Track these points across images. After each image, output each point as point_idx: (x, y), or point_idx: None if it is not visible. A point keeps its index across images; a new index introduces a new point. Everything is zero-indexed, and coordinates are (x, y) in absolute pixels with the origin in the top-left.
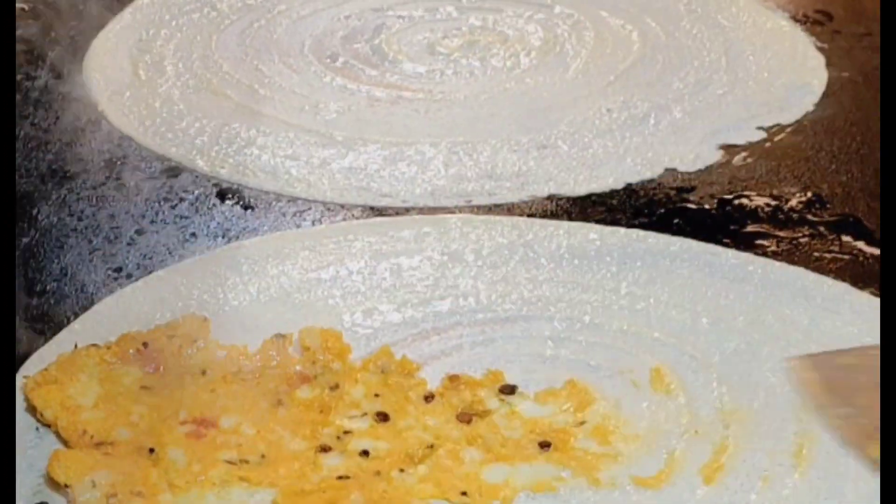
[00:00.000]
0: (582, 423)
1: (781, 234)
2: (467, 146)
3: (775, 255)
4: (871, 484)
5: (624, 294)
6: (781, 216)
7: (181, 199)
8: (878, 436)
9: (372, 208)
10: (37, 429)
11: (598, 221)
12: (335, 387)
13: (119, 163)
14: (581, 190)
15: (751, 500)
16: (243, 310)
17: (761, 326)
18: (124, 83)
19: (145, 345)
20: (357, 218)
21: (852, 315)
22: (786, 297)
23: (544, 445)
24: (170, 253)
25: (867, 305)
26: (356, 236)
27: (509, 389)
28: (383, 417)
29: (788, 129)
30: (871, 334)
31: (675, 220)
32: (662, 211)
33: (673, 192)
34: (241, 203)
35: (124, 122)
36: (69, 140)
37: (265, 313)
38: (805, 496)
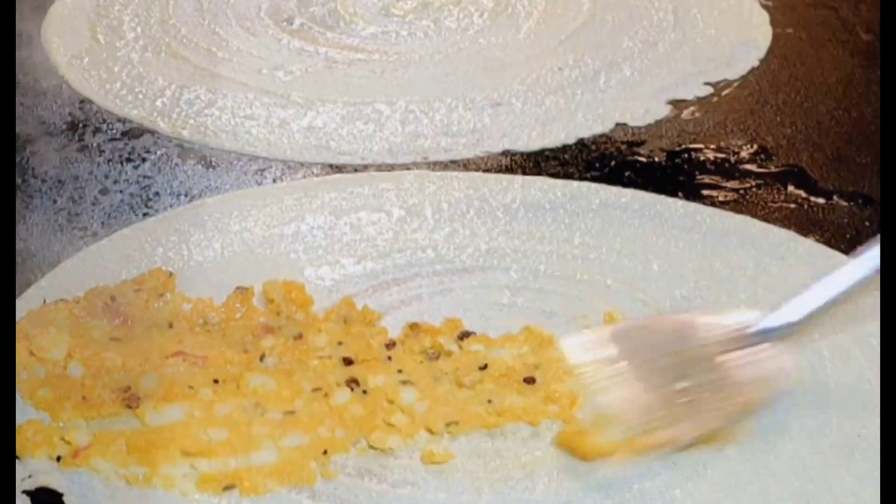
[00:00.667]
0: (537, 366)
1: (729, 184)
2: (423, 105)
3: (723, 205)
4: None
5: (577, 244)
6: (728, 167)
7: (143, 160)
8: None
9: (331, 166)
10: None
11: (551, 175)
12: (299, 336)
13: (81, 125)
14: (534, 145)
15: None
16: (207, 265)
17: (709, 273)
18: (83, 48)
19: (113, 299)
20: (317, 175)
21: (797, 260)
22: (733, 245)
23: (529, 381)
24: (134, 212)
25: (811, 251)
26: (316, 193)
27: (467, 335)
28: (348, 362)
29: (735, 84)
30: (814, 278)
31: (626, 173)
32: (613, 164)
33: (623, 146)
34: (203, 162)
35: (85, 85)
36: (31, 104)
37: (229, 268)
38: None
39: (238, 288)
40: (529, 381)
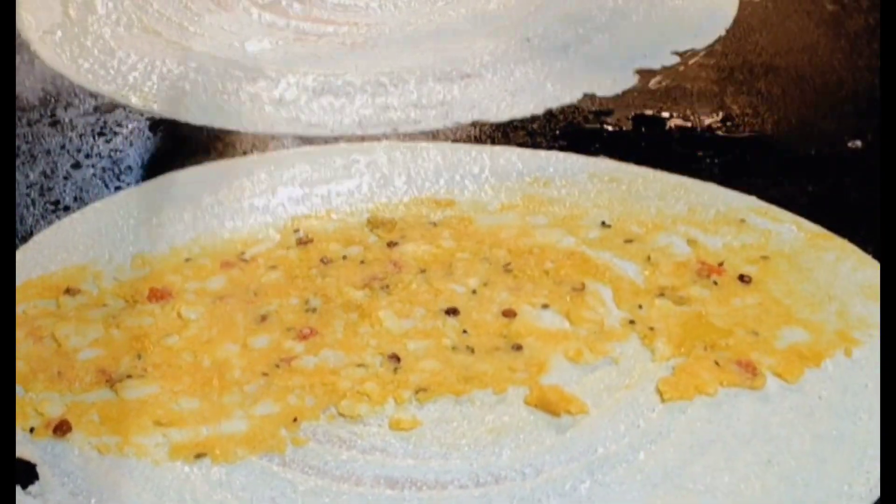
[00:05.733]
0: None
1: (695, 152)
2: (393, 77)
3: (690, 173)
4: None
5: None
6: (695, 136)
7: (115, 134)
8: None
9: (302, 138)
10: None
11: (519, 145)
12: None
13: (53, 100)
14: (503, 116)
15: None
16: (178, 238)
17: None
18: (55, 23)
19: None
20: (287, 148)
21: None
22: (697, 210)
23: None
24: (106, 185)
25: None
26: (287, 165)
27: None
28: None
29: (701, 54)
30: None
31: (594, 143)
32: (581, 134)
33: (591, 116)
34: (174, 136)
35: (57, 61)
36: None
37: (199, 240)
38: None
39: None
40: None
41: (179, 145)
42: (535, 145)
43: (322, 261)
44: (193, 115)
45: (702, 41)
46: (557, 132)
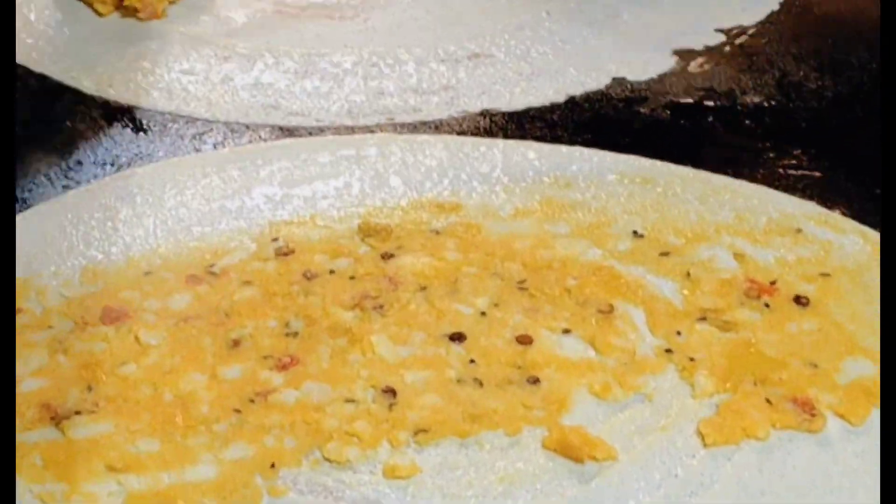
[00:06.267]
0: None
1: (743, 148)
2: (388, 56)
3: (736, 174)
4: None
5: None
6: (743, 129)
7: (64, 123)
8: None
9: (281, 129)
10: None
11: (536, 139)
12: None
13: None
14: (518, 104)
15: None
16: (137, 247)
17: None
18: None
19: None
20: (265, 140)
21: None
22: (746, 219)
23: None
24: (52, 184)
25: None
26: (265, 161)
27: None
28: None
29: (750, 31)
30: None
31: (624, 137)
32: (610, 126)
33: (621, 105)
34: (133, 126)
35: None
36: None
37: (162, 250)
38: None
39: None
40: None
41: (138, 137)
42: (556, 139)
43: (305, 275)
44: (155, 100)
45: (751, 16)
46: (581, 123)
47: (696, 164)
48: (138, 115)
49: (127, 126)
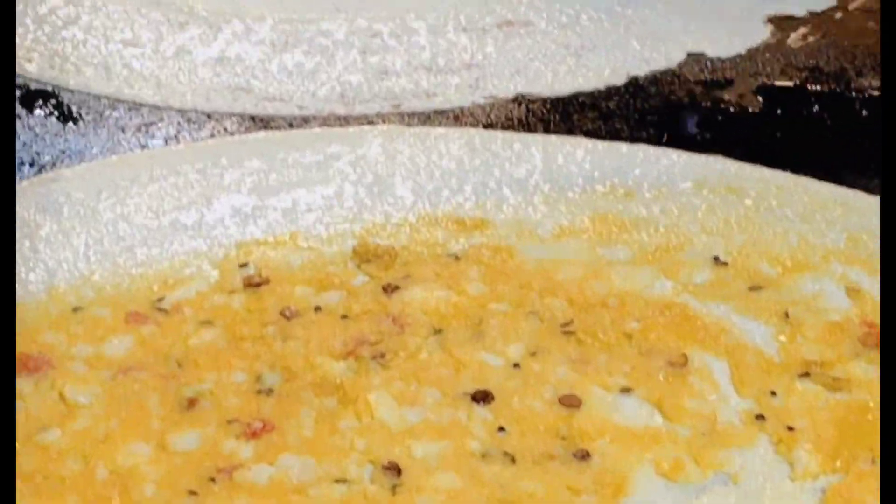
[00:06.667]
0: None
1: (859, 146)
2: (394, 24)
3: (853, 182)
4: None
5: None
6: (858, 121)
7: None
8: None
9: (253, 119)
10: None
11: (587, 134)
12: None
13: None
14: (563, 88)
15: None
16: (64, 275)
17: None
18: None
19: None
20: (231, 133)
21: None
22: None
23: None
24: None
25: None
26: (231, 161)
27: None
28: None
29: None
30: None
31: (704, 132)
32: (684, 117)
33: (699, 89)
34: (58, 114)
35: None
36: None
37: (96, 278)
38: None
39: None
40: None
41: (65, 128)
42: (613, 134)
43: (283, 314)
44: (87, 80)
45: None
46: (646, 114)
47: (797, 168)
48: (65, 99)
49: (50, 114)
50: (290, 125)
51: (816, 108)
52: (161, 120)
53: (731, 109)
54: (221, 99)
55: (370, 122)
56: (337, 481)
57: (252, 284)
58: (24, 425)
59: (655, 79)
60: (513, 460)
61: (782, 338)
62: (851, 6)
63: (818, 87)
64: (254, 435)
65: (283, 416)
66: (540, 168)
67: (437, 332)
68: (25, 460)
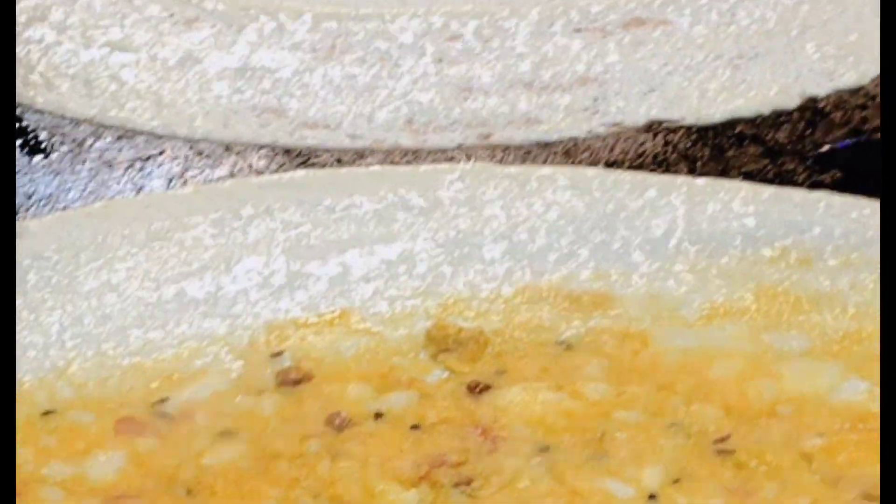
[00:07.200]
0: None
1: None
2: (480, 22)
3: None
4: None
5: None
6: None
7: None
8: None
9: (289, 152)
10: None
11: (748, 177)
12: None
13: None
14: (713, 112)
15: None
16: (31, 362)
17: None
18: None
19: None
20: (259, 172)
21: None
22: None
23: None
24: None
25: None
26: (258, 210)
27: None
28: None
29: None
30: None
31: None
32: (877, 154)
33: None
34: (23, 142)
35: None
36: None
37: (74, 367)
38: None
39: None
40: None
41: (32, 163)
42: (784, 177)
43: (332, 422)
44: (63, 98)
45: None
46: (830, 150)
47: None
48: (31, 123)
49: (22, 145)
50: (339, 161)
51: None
52: (162, 153)
53: None
54: (244, 124)
55: (449, 159)
56: None
57: (288, 382)
58: None
59: (841, 101)
60: None
61: None
62: None
63: None
64: None
65: None
66: (683, 224)
67: (544, 450)
68: None
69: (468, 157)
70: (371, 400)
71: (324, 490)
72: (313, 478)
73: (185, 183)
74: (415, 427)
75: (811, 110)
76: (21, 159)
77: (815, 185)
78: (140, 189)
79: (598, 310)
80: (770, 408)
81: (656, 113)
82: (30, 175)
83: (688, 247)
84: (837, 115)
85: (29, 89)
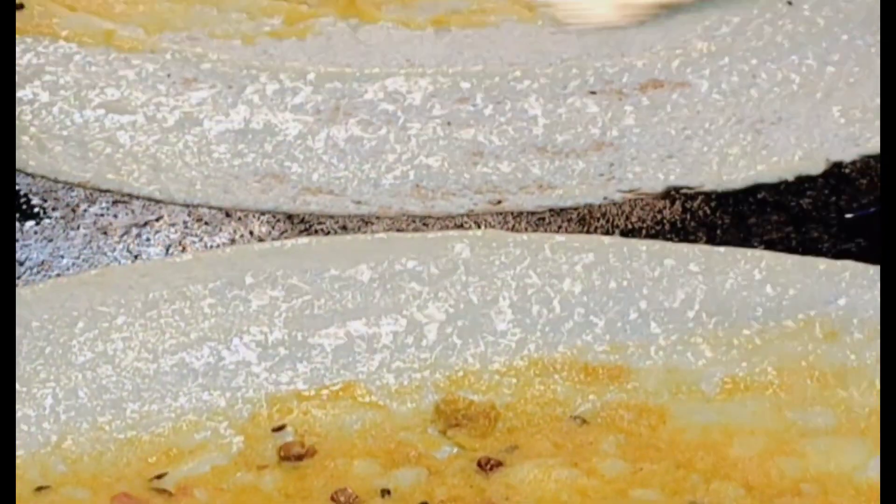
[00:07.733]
0: None
1: None
2: (491, 83)
3: None
4: None
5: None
6: None
7: None
8: None
9: (291, 218)
10: None
11: (770, 245)
12: None
13: None
14: (735, 178)
15: None
16: (24, 436)
17: None
18: None
19: None
20: (260, 239)
21: None
22: None
23: None
24: None
25: None
26: (259, 279)
27: None
28: None
29: None
30: None
31: None
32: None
33: None
34: (17, 207)
35: None
36: None
37: (68, 444)
38: None
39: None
40: None
41: (24, 229)
42: (807, 246)
43: (337, 499)
44: (56, 161)
45: None
46: (856, 217)
47: None
48: (23, 187)
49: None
50: (344, 228)
51: None
52: (159, 219)
53: None
54: (245, 189)
55: (458, 226)
56: None
57: (291, 457)
58: None
59: (868, 167)
60: None
61: None
62: None
63: None
64: None
65: None
66: (702, 294)
67: None
68: None
69: (478, 224)
70: (378, 476)
71: None
72: None
73: (183, 250)
74: None
75: (836, 176)
76: (17, 224)
77: (840, 254)
78: (137, 256)
79: (614, 383)
80: (793, 487)
81: (675, 179)
82: (21, 241)
83: (707, 318)
84: (864, 182)
85: (21, 152)
